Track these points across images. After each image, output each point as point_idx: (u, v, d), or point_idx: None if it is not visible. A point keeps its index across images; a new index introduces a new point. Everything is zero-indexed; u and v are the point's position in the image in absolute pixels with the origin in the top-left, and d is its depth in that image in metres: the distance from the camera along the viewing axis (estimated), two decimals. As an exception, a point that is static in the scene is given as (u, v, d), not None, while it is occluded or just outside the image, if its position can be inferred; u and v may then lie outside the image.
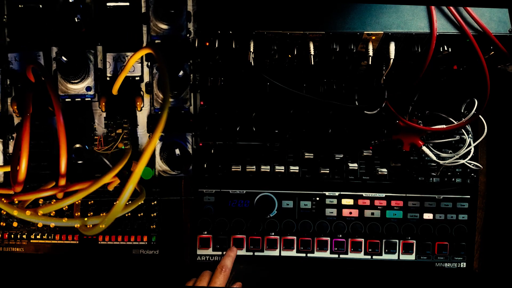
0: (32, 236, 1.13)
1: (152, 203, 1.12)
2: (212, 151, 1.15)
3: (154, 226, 1.13)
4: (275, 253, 1.18)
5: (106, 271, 1.17)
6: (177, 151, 1.05)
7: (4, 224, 1.12)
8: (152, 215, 1.13)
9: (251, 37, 0.96)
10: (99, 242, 1.13)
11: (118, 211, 0.85)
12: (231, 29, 0.95)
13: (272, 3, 0.94)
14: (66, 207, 1.08)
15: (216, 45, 0.98)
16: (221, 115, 1.14)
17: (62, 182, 0.90)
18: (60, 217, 0.98)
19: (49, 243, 1.13)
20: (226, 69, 1.10)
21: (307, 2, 0.95)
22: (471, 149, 1.09)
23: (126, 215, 1.13)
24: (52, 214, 1.10)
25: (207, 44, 1.01)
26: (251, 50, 0.97)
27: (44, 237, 1.13)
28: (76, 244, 1.13)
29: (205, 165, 1.14)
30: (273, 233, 1.17)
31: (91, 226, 0.90)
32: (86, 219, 0.91)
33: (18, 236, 1.13)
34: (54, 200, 1.06)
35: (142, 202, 1.04)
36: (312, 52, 0.96)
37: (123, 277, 1.18)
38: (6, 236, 1.13)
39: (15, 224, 1.13)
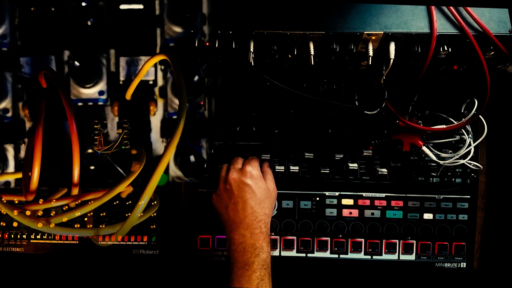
0: (32, 236, 1.13)
1: (152, 203, 1.12)
2: (212, 151, 1.15)
3: (154, 226, 1.13)
4: (275, 253, 1.18)
5: (106, 271, 1.17)
6: (192, 158, 1.04)
7: (4, 224, 1.12)
8: (152, 215, 1.13)
9: (251, 37, 0.96)
10: (99, 242, 1.13)
11: (133, 222, 0.85)
12: (231, 29, 0.95)
13: (272, 3, 0.94)
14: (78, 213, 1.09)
15: (216, 45, 0.98)
16: (221, 115, 1.14)
17: (75, 191, 0.90)
18: (72, 226, 0.99)
19: (49, 243, 1.13)
20: (226, 69, 1.10)
21: (307, 2, 0.94)
22: (471, 149, 1.09)
23: (127, 215, 1.13)
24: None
25: (207, 44, 1.01)
26: (251, 50, 0.97)
27: (44, 237, 1.13)
28: (76, 244, 1.13)
29: (205, 165, 1.14)
30: (273, 233, 1.17)
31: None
32: (100, 228, 0.92)
33: (18, 236, 1.13)
34: (66, 207, 1.07)
35: (156, 209, 1.04)
36: (312, 52, 0.96)
37: (123, 277, 1.18)
38: (6, 236, 1.13)
39: (15, 224, 1.13)
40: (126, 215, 0.90)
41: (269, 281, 0.95)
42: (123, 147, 1.10)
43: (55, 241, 1.13)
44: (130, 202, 1.11)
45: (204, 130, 1.08)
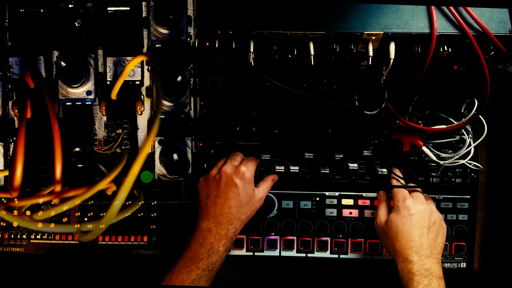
0: (32, 236, 1.13)
1: (152, 203, 1.12)
2: (212, 151, 1.15)
3: (154, 226, 1.13)
4: (275, 253, 1.18)
5: (106, 271, 1.17)
6: (175, 156, 1.05)
7: (4, 224, 1.12)
8: (152, 215, 1.13)
9: (251, 37, 0.96)
10: (99, 242, 1.13)
11: (111, 218, 0.85)
12: (231, 29, 0.95)
13: (272, 3, 0.94)
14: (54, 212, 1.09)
15: (216, 45, 0.98)
16: (221, 115, 1.14)
17: (58, 188, 0.90)
18: (57, 222, 0.99)
19: (49, 243, 1.13)
20: (226, 69, 1.10)
21: (307, 2, 0.95)
22: (471, 149, 1.09)
23: (126, 215, 1.13)
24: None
25: (207, 44, 1.01)
26: (251, 50, 0.97)
27: (44, 237, 1.13)
28: (76, 244, 1.13)
29: (205, 165, 1.14)
30: (273, 233, 1.17)
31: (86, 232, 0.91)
32: (79, 225, 0.91)
33: (18, 236, 1.13)
34: (43, 208, 1.08)
35: (138, 207, 1.04)
36: (312, 52, 0.96)
37: (123, 277, 1.18)
38: (6, 236, 1.13)
39: (15, 224, 1.12)
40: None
41: (206, 283, 0.97)
42: (123, 147, 1.10)
43: (55, 241, 1.13)
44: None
45: (189, 129, 1.09)
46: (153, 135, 0.84)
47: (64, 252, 1.13)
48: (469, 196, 1.17)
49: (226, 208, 1.01)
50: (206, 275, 0.96)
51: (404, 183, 1.11)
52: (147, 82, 1.08)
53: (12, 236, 1.13)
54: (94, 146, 1.09)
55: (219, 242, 0.98)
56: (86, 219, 1.10)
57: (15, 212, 0.92)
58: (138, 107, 1.07)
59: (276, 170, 1.15)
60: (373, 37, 0.95)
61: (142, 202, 1.05)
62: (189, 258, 0.97)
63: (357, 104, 1.11)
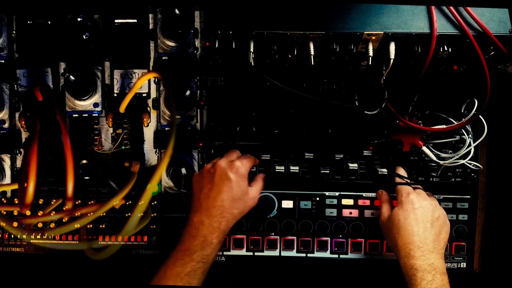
0: (32, 236, 1.13)
1: (153, 203, 1.12)
2: (212, 151, 1.15)
3: (154, 226, 1.13)
4: (275, 253, 1.18)
5: (106, 271, 1.17)
6: (183, 170, 1.05)
7: (4, 224, 1.12)
8: (152, 215, 1.13)
9: (251, 37, 0.96)
10: (99, 242, 1.13)
11: (127, 234, 0.85)
12: (231, 29, 0.95)
13: (272, 3, 0.94)
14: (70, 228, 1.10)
15: (216, 45, 0.98)
16: (221, 115, 1.14)
17: (69, 205, 0.90)
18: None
19: (49, 243, 1.13)
20: (226, 69, 1.10)
21: (307, 2, 0.95)
22: (471, 149, 1.09)
23: (126, 215, 1.13)
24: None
25: (207, 44, 1.01)
26: (251, 50, 0.97)
27: (44, 237, 1.13)
28: (76, 244, 1.13)
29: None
30: (273, 233, 1.17)
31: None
32: (94, 241, 0.92)
33: (18, 236, 1.13)
34: (53, 225, 1.09)
35: (148, 221, 1.06)
36: (312, 52, 0.96)
37: (123, 277, 1.18)
38: (6, 236, 1.13)
39: (15, 224, 1.13)
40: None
41: (202, 276, 0.95)
42: (123, 147, 1.10)
43: (55, 242, 1.13)
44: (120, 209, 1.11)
45: (195, 141, 1.09)
46: (169, 154, 0.85)
47: (64, 252, 1.13)
48: (469, 196, 1.17)
49: (218, 201, 1.00)
50: (201, 267, 0.95)
51: (408, 181, 1.11)
52: (153, 94, 1.07)
53: (12, 236, 1.13)
54: (94, 146, 1.09)
55: (212, 234, 0.97)
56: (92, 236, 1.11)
57: (14, 223, 0.92)
58: (144, 119, 1.07)
59: (276, 170, 1.15)
60: (373, 37, 0.95)
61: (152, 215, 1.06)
62: (182, 251, 0.96)
63: (357, 104, 1.11)
